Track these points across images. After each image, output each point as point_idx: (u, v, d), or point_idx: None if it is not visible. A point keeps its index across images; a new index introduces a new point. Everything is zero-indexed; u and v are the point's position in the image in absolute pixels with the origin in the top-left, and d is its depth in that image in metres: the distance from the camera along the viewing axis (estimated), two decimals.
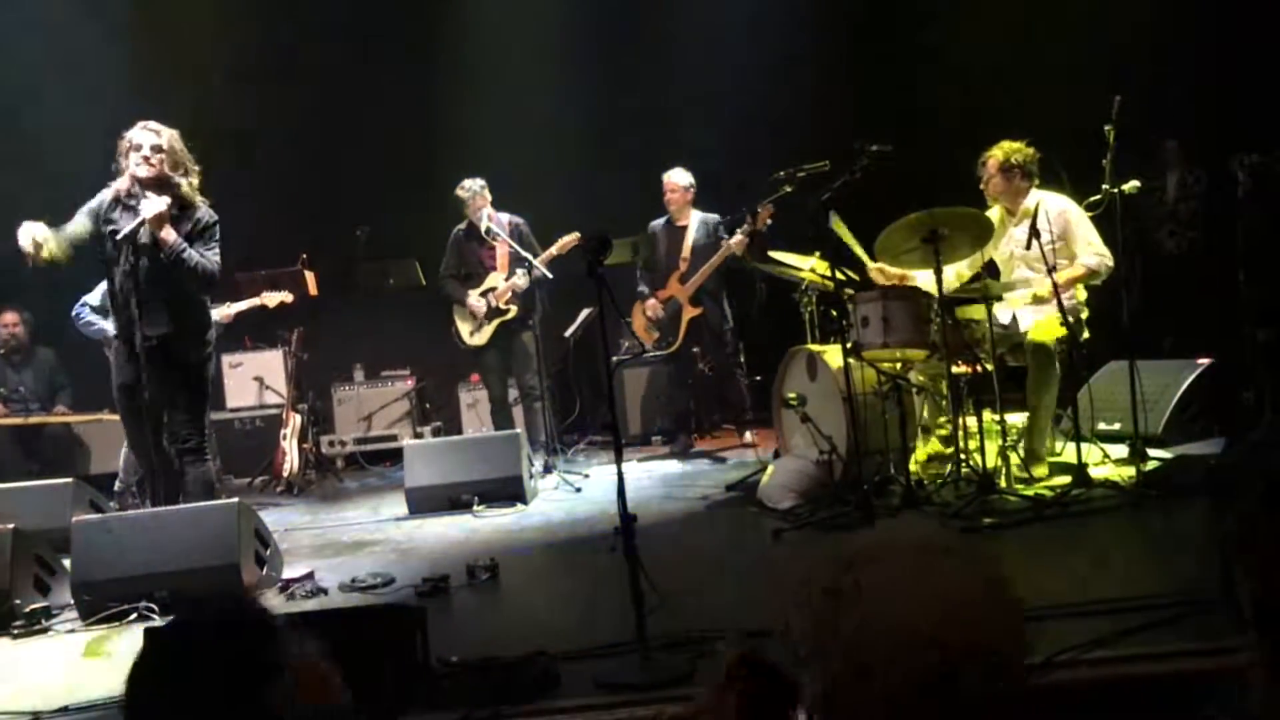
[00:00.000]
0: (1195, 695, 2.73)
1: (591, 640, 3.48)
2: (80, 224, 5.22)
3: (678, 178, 7.77)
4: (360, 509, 7.01)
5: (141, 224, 5.08)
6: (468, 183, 7.52)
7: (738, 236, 7.28)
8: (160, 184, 5.15)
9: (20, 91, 8.23)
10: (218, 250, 5.28)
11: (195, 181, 5.27)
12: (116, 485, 7.18)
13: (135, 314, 5.07)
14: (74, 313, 6.90)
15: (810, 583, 1.16)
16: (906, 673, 1.07)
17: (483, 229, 7.35)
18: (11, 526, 4.73)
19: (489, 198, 7.53)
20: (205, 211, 5.28)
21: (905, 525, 1.19)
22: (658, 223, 7.96)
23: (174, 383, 5.29)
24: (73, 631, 4.53)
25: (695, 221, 7.76)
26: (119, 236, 5.10)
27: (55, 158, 7.77)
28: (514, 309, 7.49)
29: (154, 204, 5.06)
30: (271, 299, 7.51)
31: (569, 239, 7.23)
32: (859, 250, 5.80)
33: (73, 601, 4.68)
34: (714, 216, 7.76)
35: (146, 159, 5.12)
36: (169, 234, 5.10)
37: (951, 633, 1.07)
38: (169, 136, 5.20)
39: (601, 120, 9.10)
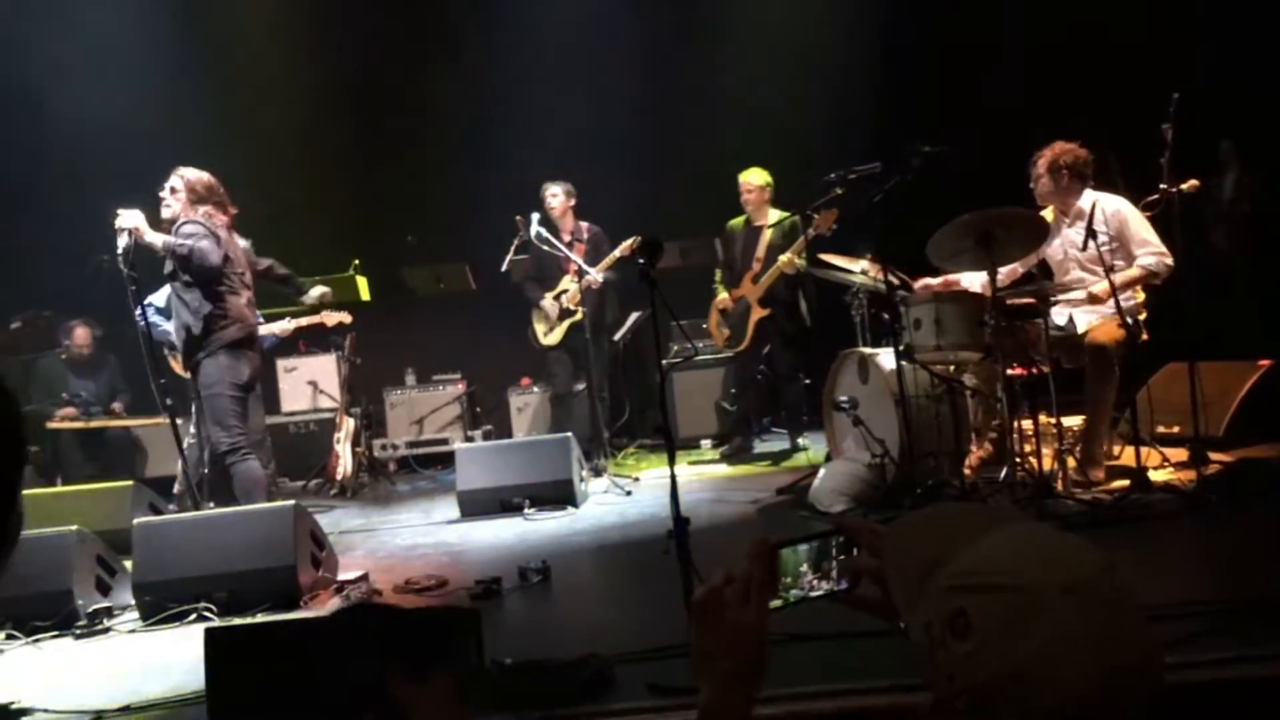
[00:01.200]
0: (1256, 701, 2.68)
1: (644, 643, 3.47)
2: None
3: (753, 178, 7.72)
4: (412, 512, 7.08)
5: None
6: (548, 185, 7.79)
7: (785, 256, 7.29)
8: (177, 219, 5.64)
9: (88, 101, 8.43)
10: (203, 234, 5.53)
11: (223, 216, 5.72)
12: (175, 488, 7.29)
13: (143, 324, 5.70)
14: (137, 314, 7.02)
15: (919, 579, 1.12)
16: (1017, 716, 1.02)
17: (531, 233, 7.38)
18: (75, 528, 4.82)
19: (565, 202, 7.78)
20: (192, 225, 5.60)
21: (1034, 542, 1.06)
22: (738, 221, 7.92)
23: (199, 390, 5.63)
24: (133, 631, 4.60)
25: (773, 220, 7.70)
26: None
27: (119, 159, 7.94)
28: (582, 311, 7.54)
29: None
30: (331, 318, 7.61)
31: (628, 243, 7.23)
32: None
33: (134, 602, 4.77)
34: (793, 217, 7.63)
35: (163, 199, 5.67)
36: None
37: (1058, 691, 1.01)
38: (192, 179, 5.67)
39: (656, 122, 9.11)
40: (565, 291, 7.77)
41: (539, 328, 7.98)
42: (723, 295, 7.80)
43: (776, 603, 1.35)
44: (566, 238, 7.67)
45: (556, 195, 7.75)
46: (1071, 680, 1.01)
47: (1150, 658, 1.06)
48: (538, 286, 7.93)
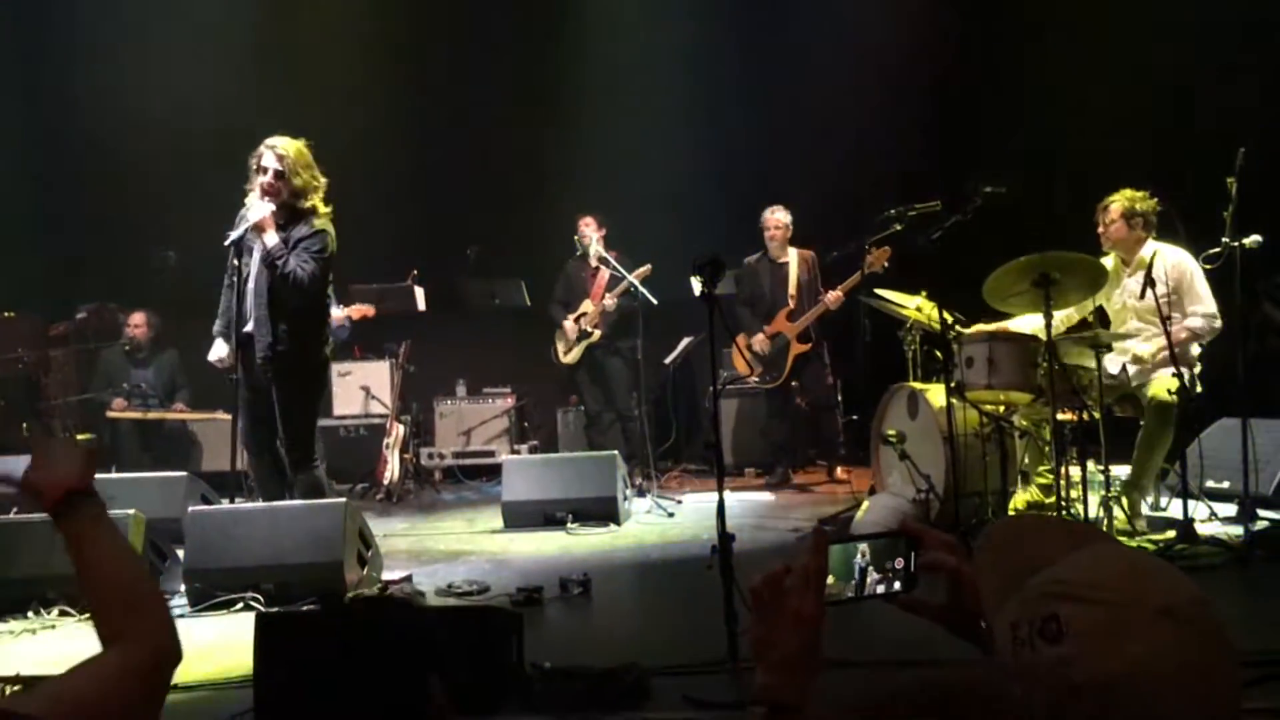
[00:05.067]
0: None
1: (682, 657, 3.51)
2: None
3: (780, 215, 7.95)
4: (457, 520, 7.17)
5: (248, 228, 5.32)
6: (581, 217, 8.19)
7: (834, 293, 7.51)
8: (282, 207, 5.35)
9: (158, 100, 8.67)
10: (314, 263, 5.32)
11: (317, 200, 5.42)
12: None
13: (239, 320, 5.36)
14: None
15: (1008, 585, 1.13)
16: None
17: (591, 252, 7.65)
18: (130, 512, 4.92)
19: (597, 231, 8.13)
20: (310, 226, 5.38)
21: (1132, 565, 1.08)
22: (753, 258, 8.09)
23: (283, 393, 5.42)
24: (181, 616, 4.69)
25: (794, 258, 7.89)
26: (227, 242, 5.36)
27: (187, 158, 8.15)
28: (598, 333, 8.08)
29: (259, 209, 5.28)
30: (356, 311, 7.82)
31: (641, 270, 7.76)
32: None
33: (183, 587, 4.86)
34: (809, 254, 7.86)
35: (269, 186, 5.31)
36: (270, 238, 5.29)
37: (1140, 709, 1.02)
38: (293, 161, 5.32)
39: (710, 151, 9.20)
40: (584, 314, 8.16)
41: (560, 346, 8.40)
42: (759, 335, 7.88)
43: (832, 593, 1.39)
44: (595, 263, 8.10)
45: (590, 225, 8.15)
46: (1154, 701, 1.02)
47: (1233, 691, 1.07)
48: (562, 309, 8.34)
